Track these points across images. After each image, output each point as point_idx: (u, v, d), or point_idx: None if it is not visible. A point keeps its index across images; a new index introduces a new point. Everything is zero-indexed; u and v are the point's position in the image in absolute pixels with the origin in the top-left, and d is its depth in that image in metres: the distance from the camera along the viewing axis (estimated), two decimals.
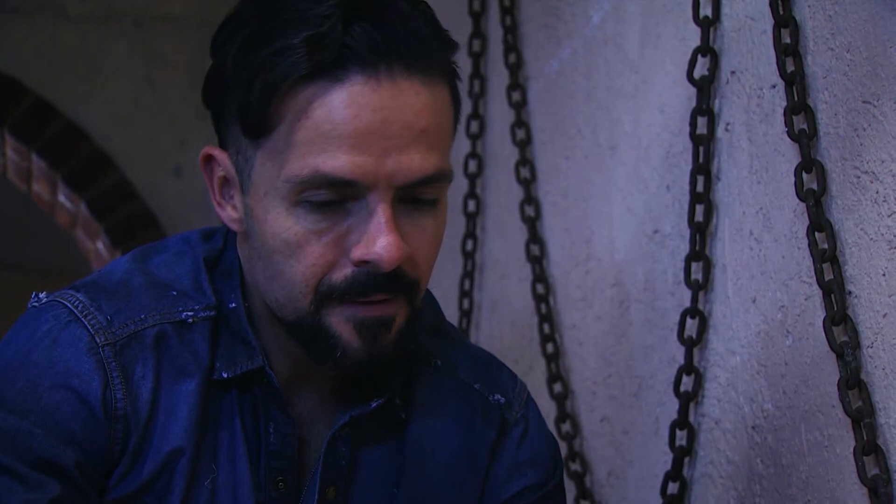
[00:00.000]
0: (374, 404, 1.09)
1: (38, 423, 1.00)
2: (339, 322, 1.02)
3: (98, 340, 1.03)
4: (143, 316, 1.05)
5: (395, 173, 0.99)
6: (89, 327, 1.03)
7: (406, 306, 1.03)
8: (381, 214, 0.99)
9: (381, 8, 0.99)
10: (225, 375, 1.05)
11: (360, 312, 1.01)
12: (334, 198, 0.99)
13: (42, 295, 1.07)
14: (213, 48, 1.04)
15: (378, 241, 0.99)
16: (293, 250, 1.00)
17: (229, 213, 1.06)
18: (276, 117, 0.99)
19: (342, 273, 1.01)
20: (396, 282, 1.01)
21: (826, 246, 1.16)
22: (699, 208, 1.43)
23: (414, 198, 1.01)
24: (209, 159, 1.06)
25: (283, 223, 1.00)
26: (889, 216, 1.10)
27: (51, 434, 1.00)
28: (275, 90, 0.98)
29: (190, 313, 1.06)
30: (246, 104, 0.99)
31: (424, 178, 1.00)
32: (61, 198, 3.69)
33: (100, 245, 3.66)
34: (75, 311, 1.04)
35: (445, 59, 1.02)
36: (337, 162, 0.98)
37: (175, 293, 1.06)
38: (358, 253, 1.00)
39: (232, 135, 1.03)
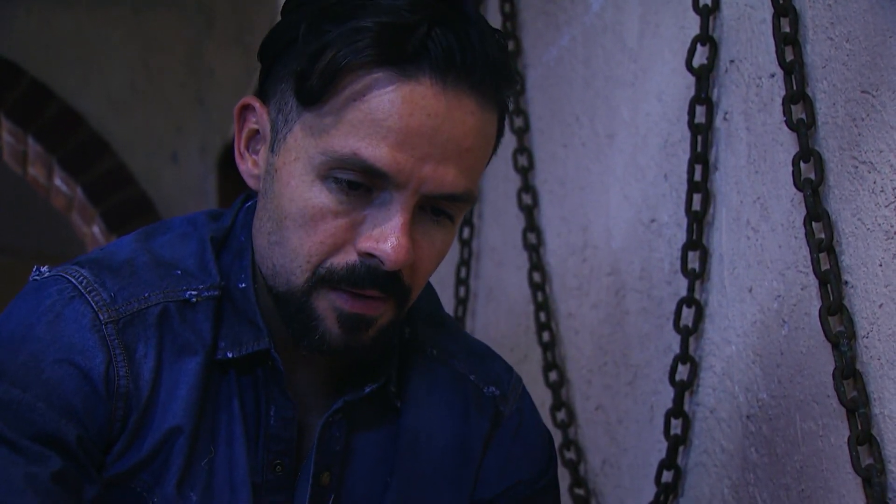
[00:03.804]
0: (367, 389, 1.09)
1: (40, 397, 1.00)
2: (326, 308, 1.02)
3: (101, 317, 1.03)
4: (146, 294, 1.05)
5: (427, 181, 0.99)
6: (93, 304, 1.03)
7: (394, 309, 1.04)
8: (400, 215, 0.99)
9: (463, 21, 1.00)
10: (230, 355, 1.05)
11: (346, 305, 1.01)
12: (363, 182, 0.99)
13: (44, 269, 1.07)
14: (288, 7, 1.04)
15: (390, 239, 0.99)
16: (306, 221, 1.00)
17: (249, 168, 1.06)
18: (332, 90, 0.99)
19: (345, 259, 1.01)
20: (392, 283, 1.01)
21: (823, 236, 1.16)
22: (696, 197, 1.43)
23: (434, 209, 1.02)
24: (247, 108, 1.06)
25: (305, 192, 1.00)
26: (886, 206, 1.10)
27: (53, 408, 1.00)
28: (342, 67, 0.98)
29: (194, 292, 1.06)
30: (308, 71, 0.99)
31: (452, 195, 1.01)
32: (57, 181, 3.68)
33: (95, 229, 3.66)
34: (79, 286, 1.03)
35: (504, 93, 1.03)
36: (378, 151, 0.98)
37: (179, 272, 1.06)
38: (367, 245, 1.00)
39: (279, 93, 1.03)
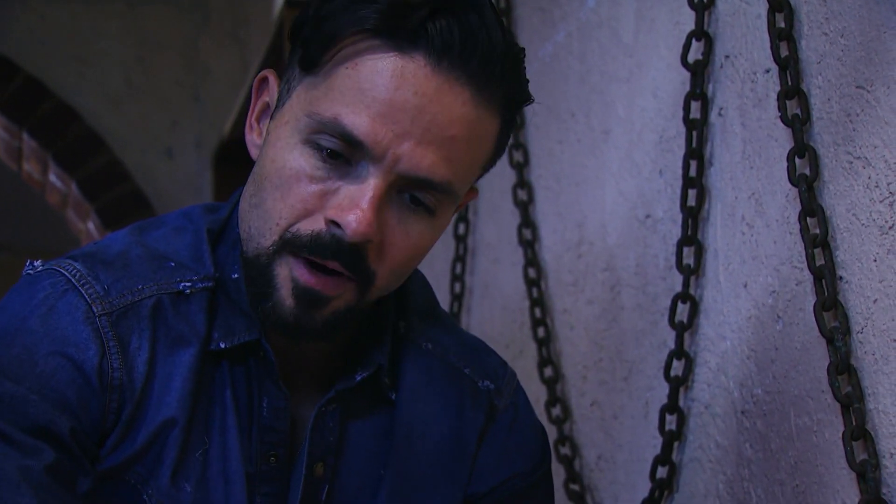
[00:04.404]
0: (358, 377, 1.09)
1: (33, 390, 1.00)
2: (284, 276, 1.02)
3: (95, 310, 1.02)
4: (140, 286, 1.04)
5: (402, 158, 0.98)
6: (86, 296, 1.03)
7: (354, 293, 1.03)
8: (369, 188, 0.99)
9: (472, 14, 0.99)
10: (223, 346, 1.05)
11: (303, 277, 1.01)
12: (342, 151, 0.99)
13: (37, 263, 1.07)
14: None
15: (354, 209, 0.99)
16: (282, 182, 1.01)
17: (254, 138, 1.08)
18: (328, 56, 1.00)
19: (311, 227, 1.00)
20: (355, 260, 1.00)
21: (818, 231, 1.16)
22: (692, 193, 1.43)
23: (412, 196, 1.01)
24: (263, 81, 1.08)
25: (285, 154, 1.01)
26: (881, 202, 1.10)
27: (46, 400, 1.00)
28: (339, 33, 0.99)
29: (187, 284, 1.05)
30: (310, 38, 1.01)
31: (427, 180, 1.00)
32: (52, 177, 3.68)
33: (90, 226, 3.66)
34: (73, 279, 1.03)
35: (506, 94, 1.02)
36: (358, 119, 0.98)
37: (173, 265, 1.06)
38: (331, 212, 0.99)
39: (290, 65, 1.05)
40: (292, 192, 1.00)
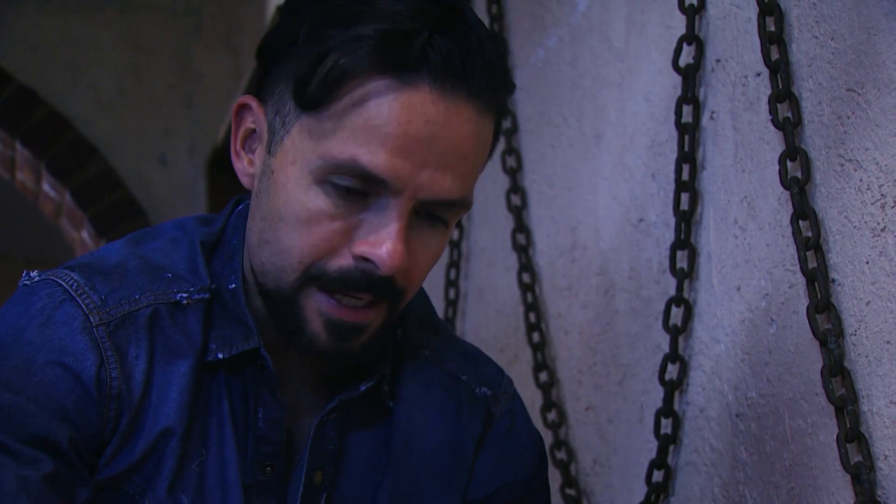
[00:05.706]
0: (362, 387, 1.09)
1: (31, 400, 1.00)
2: (313, 312, 1.02)
3: (92, 320, 1.02)
4: (137, 296, 1.04)
5: (423, 187, 0.99)
6: (83, 307, 1.03)
7: (386, 311, 1.04)
8: (396, 221, 0.99)
9: (464, 28, 1.00)
10: (220, 356, 1.05)
11: (333, 311, 1.01)
12: (360, 188, 0.99)
13: (34, 273, 1.06)
14: (288, 8, 1.03)
15: (385, 244, 0.99)
16: (301, 224, 1.00)
17: (244, 166, 1.06)
18: (332, 97, 0.99)
19: (338, 262, 1.01)
20: (386, 287, 1.01)
21: (810, 234, 1.17)
22: (684, 197, 1.43)
23: (429, 213, 1.02)
24: (244, 108, 1.06)
25: (301, 196, 1.00)
26: (872, 204, 1.10)
27: (45, 410, 1.00)
28: (343, 75, 0.98)
29: (184, 294, 1.05)
30: (307, 77, 0.99)
31: (448, 201, 1.01)
32: (46, 186, 3.67)
33: (84, 234, 3.65)
34: (69, 290, 1.03)
35: (501, 98, 1.04)
36: (376, 158, 0.98)
37: (170, 275, 1.06)
38: (362, 249, 1.00)
39: (277, 94, 1.03)
40: (314, 231, 1.00)
